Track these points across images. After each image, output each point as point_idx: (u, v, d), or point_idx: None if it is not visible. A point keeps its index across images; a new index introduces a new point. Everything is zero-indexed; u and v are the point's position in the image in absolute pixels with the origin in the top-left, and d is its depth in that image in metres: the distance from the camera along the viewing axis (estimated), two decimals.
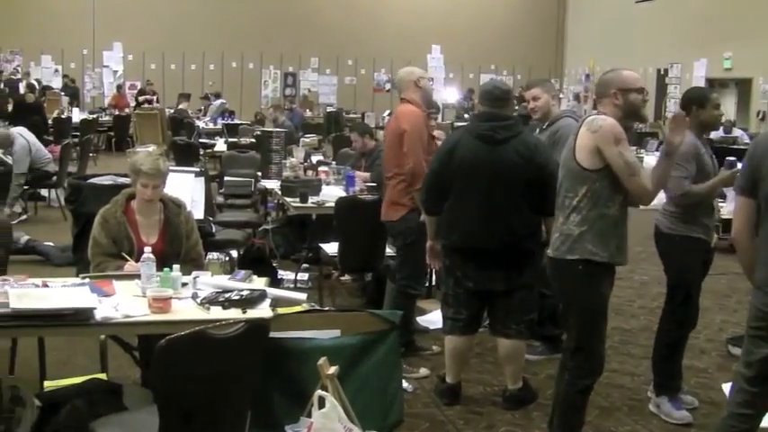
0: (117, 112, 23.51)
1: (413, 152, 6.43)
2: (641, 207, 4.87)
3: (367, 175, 9.18)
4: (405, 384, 5.74)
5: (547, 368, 6.53)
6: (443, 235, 5.84)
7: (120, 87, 26.36)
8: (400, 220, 6.63)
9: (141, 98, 24.49)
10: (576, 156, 4.69)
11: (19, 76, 25.14)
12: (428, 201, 5.93)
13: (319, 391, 4.27)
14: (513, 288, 5.67)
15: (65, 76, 26.93)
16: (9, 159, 12.45)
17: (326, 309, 6.71)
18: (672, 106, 22.85)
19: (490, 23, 29.04)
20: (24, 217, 12.48)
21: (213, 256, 5.76)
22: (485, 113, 5.74)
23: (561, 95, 25.42)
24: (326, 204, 8.37)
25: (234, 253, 8.08)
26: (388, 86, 28.17)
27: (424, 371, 6.43)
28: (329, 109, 26.15)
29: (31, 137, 12.58)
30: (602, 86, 4.85)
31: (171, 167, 6.04)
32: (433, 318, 7.50)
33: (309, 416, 4.32)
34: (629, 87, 4.76)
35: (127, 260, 5.39)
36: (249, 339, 3.87)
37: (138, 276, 4.90)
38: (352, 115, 25.52)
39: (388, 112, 9.84)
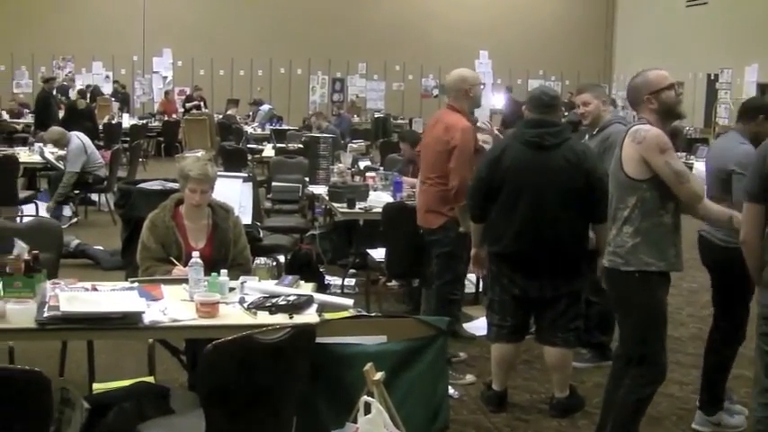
0: (166, 118, 23.70)
1: (460, 170, 6.41)
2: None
3: (414, 180, 9.16)
4: (451, 391, 5.72)
5: (594, 376, 6.48)
6: (490, 241, 5.82)
7: (168, 93, 26.59)
8: (439, 228, 6.63)
9: (189, 104, 24.64)
10: (623, 167, 4.64)
11: (69, 81, 25.39)
12: (475, 207, 5.91)
13: (365, 397, 4.26)
14: (560, 295, 5.64)
15: (115, 81, 27.17)
16: (61, 164, 12.63)
17: (373, 314, 6.71)
18: (723, 112, 22.57)
19: (538, 29, 28.84)
20: (75, 221, 12.62)
21: (260, 261, 5.77)
22: (532, 120, 5.71)
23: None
24: (374, 210, 8.39)
25: (281, 258, 8.09)
26: (435, 92, 28.11)
27: (469, 377, 6.41)
28: (377, 115, 26.13)
29: (87, 140, 12.84)
30: (633, 94, 4.79)
31: (219, 173, 6.07)
32: (479, 324, 7.47)
33: (355, 421, 4.31)
34: (660, 87, 4.69)
35: (175, 264, 5.43)
36: (296, 344, 3.88)
37: (185, 281, 4.93)
38: (399, 121, 25.49)
39: None
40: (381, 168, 11.08)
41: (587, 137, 6.77)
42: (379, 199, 8.72)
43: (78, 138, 12.57)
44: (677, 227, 4.73)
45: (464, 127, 6.50)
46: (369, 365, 4.28)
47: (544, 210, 5.51)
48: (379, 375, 4.27)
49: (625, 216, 4.66)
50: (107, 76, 27.82)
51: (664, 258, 4.65)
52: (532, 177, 5.52)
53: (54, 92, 20.91)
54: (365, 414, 4.25)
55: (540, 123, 5.63)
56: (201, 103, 24.59)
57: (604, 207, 4.94)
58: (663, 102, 4.67)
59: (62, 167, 12.65)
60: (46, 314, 4.36)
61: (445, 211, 6.57)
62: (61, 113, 19.45)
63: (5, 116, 22.21)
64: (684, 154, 16.25)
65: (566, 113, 9.89)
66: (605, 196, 4.92)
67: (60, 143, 12.75)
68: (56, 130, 13.23)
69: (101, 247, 10.26)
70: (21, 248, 4.70)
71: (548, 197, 5.50)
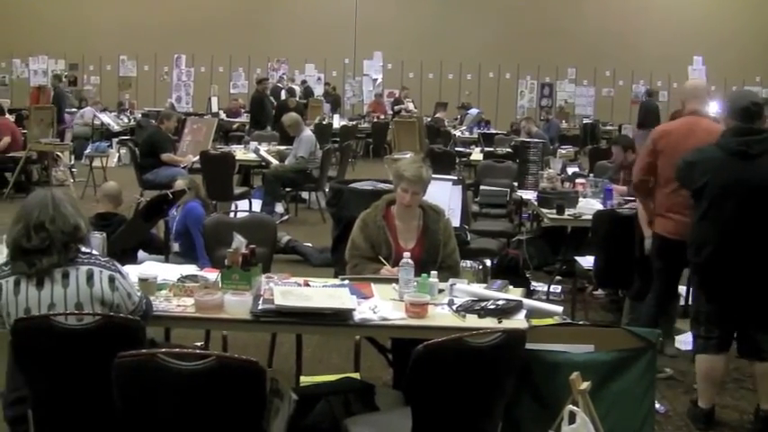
0: (375, 120, 24.06)
1: None
2: None
3: (624, 188, 8.99)
4: (657, 405, 5.57)
5: None
6: (693, 251, 5.64)
7: (378, 95, 27.03)
8: None
9: (397, 107, 24.93)
10: None
11: (284, 83, 26.09)
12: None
13: (570, 406, 4.19)
14: (764, 307, 5.47)
15: (326, 83, 27.84)
16: (274, 160, 13.12)
17: (580, 323, 6.60)
18: None
19: (755, 34, 27.57)
20: (286, 218, 12.98)
21: (467, 264, 5.77)
22: (738, 128, 5.49)
23: None
24: (583, 217, 8.25)
25: (488, 262, 8.09)
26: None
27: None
28: (585, 120, 25.75)
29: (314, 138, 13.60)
30: None
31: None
32: (688, 338, 7.25)
33: (558, 430, 4.25)
34: None
35: (383, 264, 5.48)
36: (506, 350, 3.87)
37: (395, 280, 4.98)
38: (608, 127, 25.04)
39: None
40: (591, 175, 10.89)
41: None
42: (588, 206, 8.56)
43: (311, 131, 13.47)
44: None
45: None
46: (575, 374, 4.21)
47: (750, 219, 5.35)
48: (585, 385, 4.19)
49: None
50: (319, 78, 28.53)
51: None
52: (738, 187, 5.37)
53: (267, 92, 21.53)
54: (569, 424, 4.18)
55: (746, 132, 5.44)
56: (411, 106, 24.78)
57: None
58: None
59: (275, 162, 13.13)
60: (261, 307, 4.50)
61: None
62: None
63: (222, 115, 23.06)
64: None
65: None
66: None
67: (293, 129, 13.46)
68: (292, 116, 13.93)
69: (310, 244, 10.50)
70: (239, 242, 4.86)
71: (754, 206, 5.35)
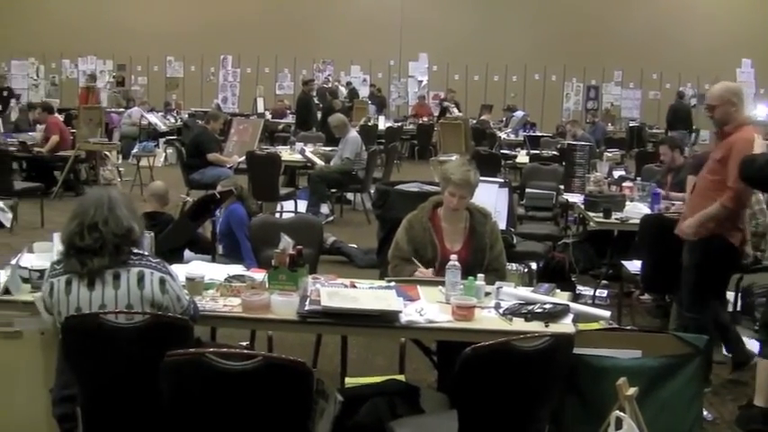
0: (420, 121, 24.06)
1: None
2: None
3: (681, 194, 8.90)
4: (704, 413, 5.51)
5: None
6: None
7: (422, 97, 27.04)
8: None
9: (446, 103, 24.89)
10: None
11: (332, 84, 26.13)
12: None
13: (617, 412, 4.16)
14: None
15: (372, 85, 27.86)
16: (319, 161, 13.16)
17: (628, 328, 6.54)
18: None
19: None
20: (331, 219, 13.00)
21: (512, 267, 5.75)
22: None
23: None
24: (630, 221, 8.19)
25: (533, 265, 8.04)
26: (693, 102, 27.04)
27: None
28: (631, 123, 25.57)
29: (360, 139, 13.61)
30: None
31: None
32: None
33: None
34: None
35: (418, 265, 5.47)
36: (554, 354, 3.85)
37: (442, 283, 4.97)
38: (654, 130, 24.85)
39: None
40: (638, 179, 10.81)
41: None
42: (635, 210, 8.50)
43: (356, 132, 13.52)
44: None
45: None
46: (622, 380, 4.18)
47: None
48: (632, 391, 4.17)
49: None
50: (364, 80, 28.57)
51: None
52: None
53: (313, 93, 21.57)
54: (616, 429, 4.15)
55: None
56: (455, 108, 24.74)
57: None
58: None
59: (321, 163, 13.17)
60: (307, 308, 4.51)
61: None
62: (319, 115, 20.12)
63: (268, 116, 23.15)
64: None
65: None
66: None
67: (339, 130, 13.48)
68: (339, 117, 13.99)
69: (355, 245, 10.51)
70: (286, 243, 4.88)
71: None
